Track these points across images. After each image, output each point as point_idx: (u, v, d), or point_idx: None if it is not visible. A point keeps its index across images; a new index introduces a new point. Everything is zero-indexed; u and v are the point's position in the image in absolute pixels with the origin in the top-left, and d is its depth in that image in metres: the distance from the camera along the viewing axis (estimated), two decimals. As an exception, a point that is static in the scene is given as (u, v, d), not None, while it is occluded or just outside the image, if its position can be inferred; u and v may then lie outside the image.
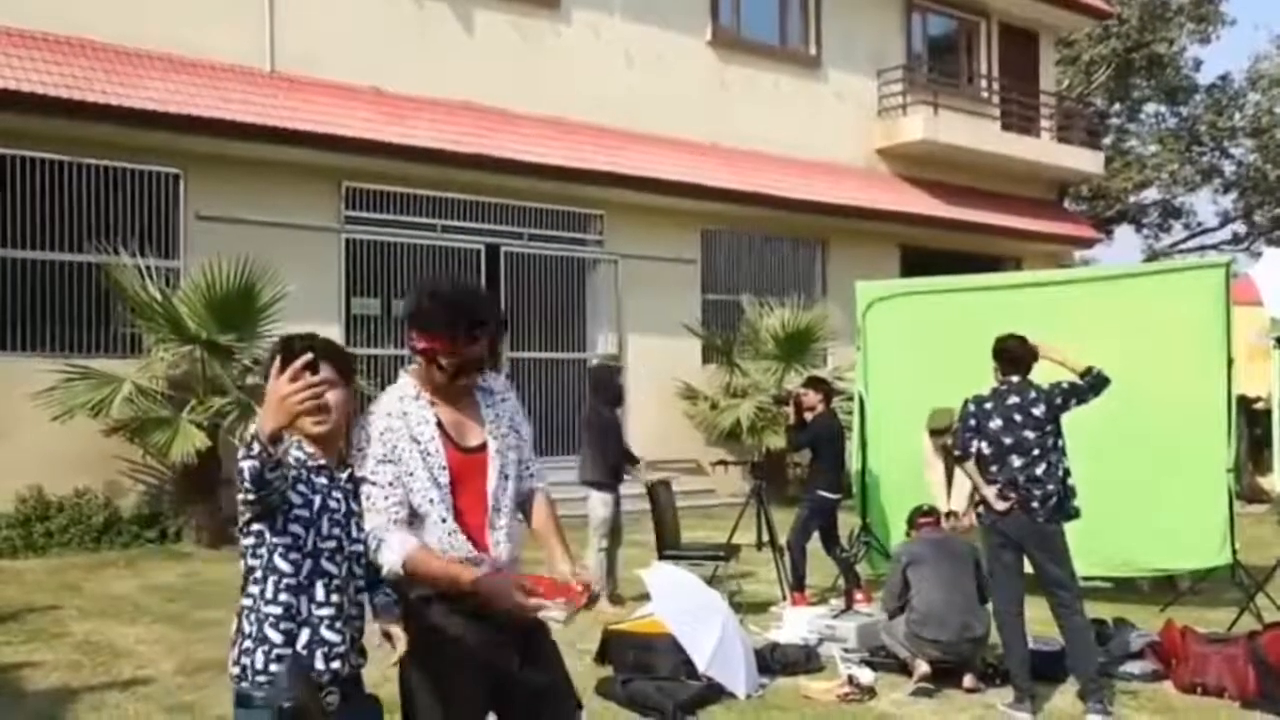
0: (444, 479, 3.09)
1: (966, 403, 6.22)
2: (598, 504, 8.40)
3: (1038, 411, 5.99)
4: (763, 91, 16.86)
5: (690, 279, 15.90)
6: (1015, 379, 6.11)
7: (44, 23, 11.04)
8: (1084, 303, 8.77)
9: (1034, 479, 5.90)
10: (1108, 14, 23.83)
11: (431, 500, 3.07)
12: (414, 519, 3.07)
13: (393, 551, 2.96)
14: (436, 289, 3.12)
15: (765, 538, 8.85)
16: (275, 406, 2.58)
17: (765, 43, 17.24)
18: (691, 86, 15.99)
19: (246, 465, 2.58)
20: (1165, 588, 8.86)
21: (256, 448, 2.56)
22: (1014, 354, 6.13)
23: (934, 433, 8.50)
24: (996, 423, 6.03)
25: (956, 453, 6.31)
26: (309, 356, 2.67)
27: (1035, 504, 5.88)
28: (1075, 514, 6.02)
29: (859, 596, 8.15)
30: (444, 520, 3.08)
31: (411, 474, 3.06)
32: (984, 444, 6.06)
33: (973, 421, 6.14)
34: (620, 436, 8.86)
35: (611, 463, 8.46)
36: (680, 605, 6.27)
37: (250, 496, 2.63)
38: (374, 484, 3.03)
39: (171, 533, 10.86)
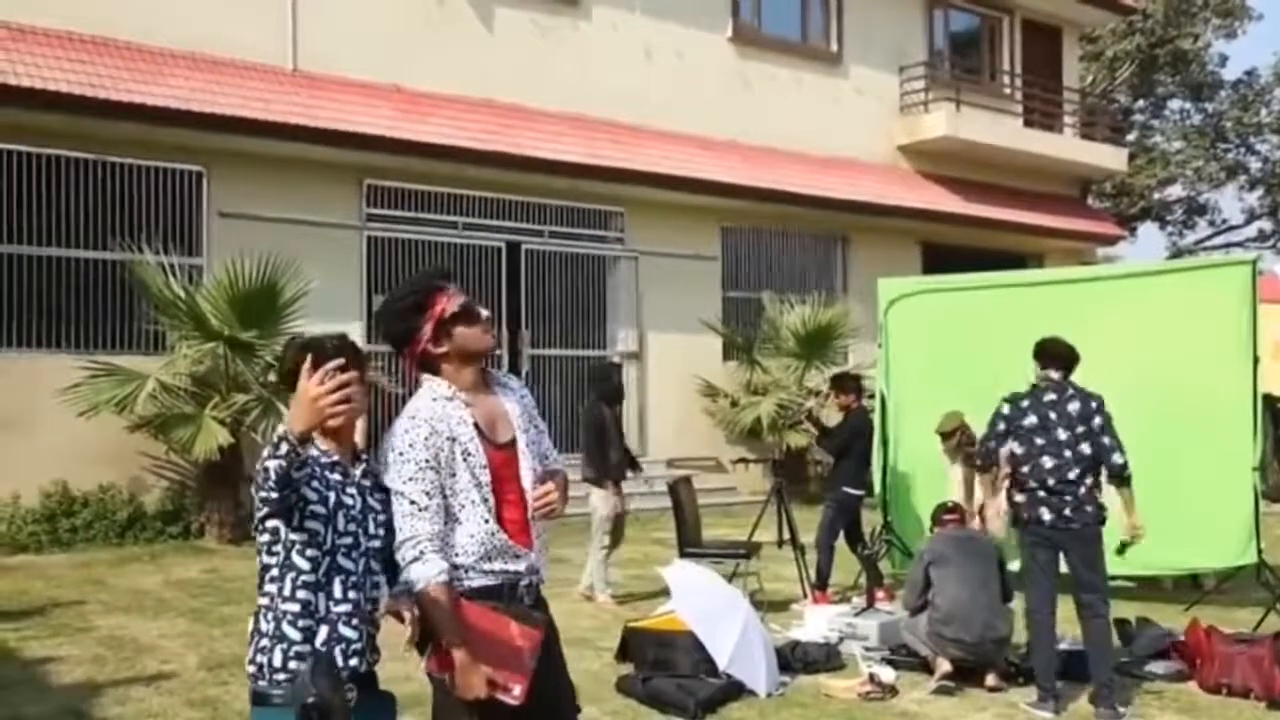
0: (485, 478, 3.09)
1: (1002, 402, 6.09)
2: (599, 501, 8.42)
3: (1073, 408, 5.83)
4: (783, 88, 16.81)
5: (711, 276, 15.89)
6: (1055, 375, 5.96)
7: (68, 22, 11.12)
8: (1108, 300, 8.70)
9: (1066, 482, 5.77)
10: (1132, 9, 23.65)
11: (473, 501, 3.07)
12: (451, 521, 3.06)
13: (428, 570, 2.94)
14: (392, 293, 3.24)
15: (786, 535, 8.84)
16: (306, 407, 2.61)
17: (786, 39, 17.18)
18: (712, 83, 15.96)
19: (273, 465, 2.60)
20: (1190, 587, 8.82)
21: (285, 448, 2.59)
22: (1055, 350, 6.01)
23: (943, 436, 8.47)
24: (1031, 420, 5.90)
25: (978, 461, 6.21)
26: (340, 360, 2.70)
27: (1068, 510, 5.76)
28: (1101, 521, 5.92)
29: (880, 594, 8.13)
30: (486, 521, 3.08)
31: (453, 475, 3.05)
32: (1015, 444, 5.92)
33: (1002, 425, 5.99)
34: (621, 434, 8.81)
35: (614, 460, 8.46)
36: (701, 603, 6.26)
37: (274, 495, 2.66)
38: (417, 491, 2.99)
39: (194, 528, 10.94)
